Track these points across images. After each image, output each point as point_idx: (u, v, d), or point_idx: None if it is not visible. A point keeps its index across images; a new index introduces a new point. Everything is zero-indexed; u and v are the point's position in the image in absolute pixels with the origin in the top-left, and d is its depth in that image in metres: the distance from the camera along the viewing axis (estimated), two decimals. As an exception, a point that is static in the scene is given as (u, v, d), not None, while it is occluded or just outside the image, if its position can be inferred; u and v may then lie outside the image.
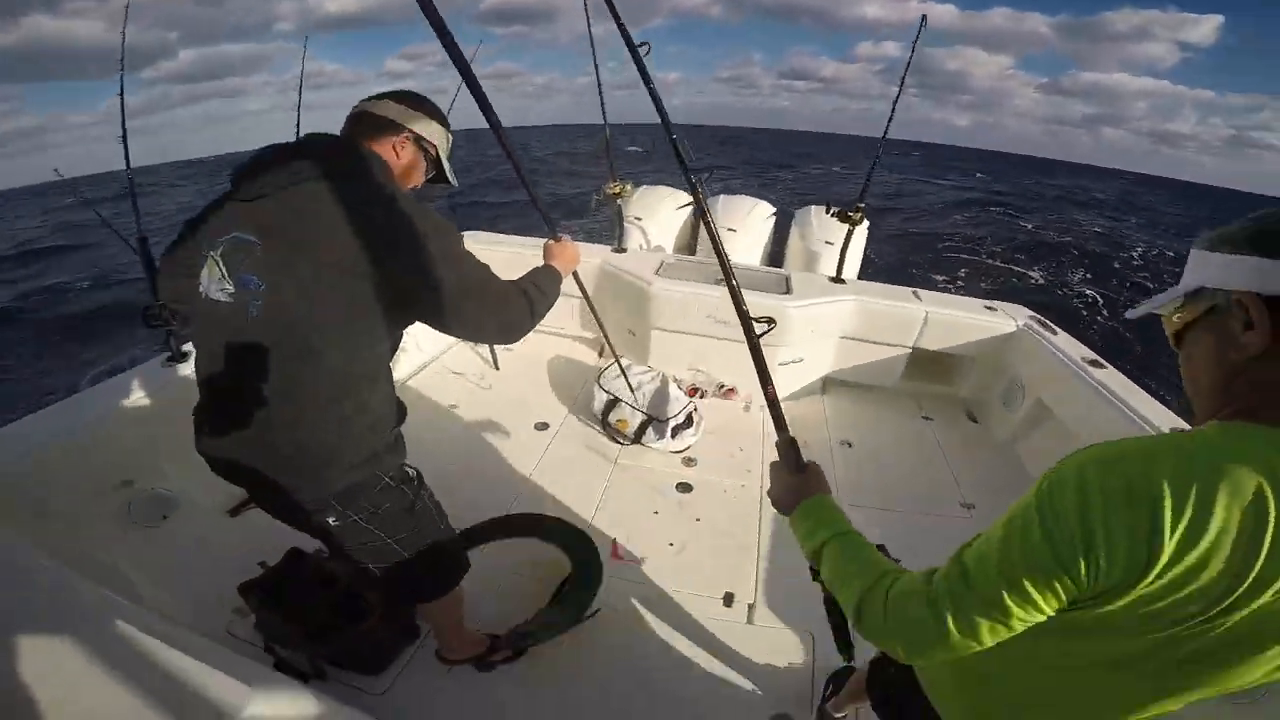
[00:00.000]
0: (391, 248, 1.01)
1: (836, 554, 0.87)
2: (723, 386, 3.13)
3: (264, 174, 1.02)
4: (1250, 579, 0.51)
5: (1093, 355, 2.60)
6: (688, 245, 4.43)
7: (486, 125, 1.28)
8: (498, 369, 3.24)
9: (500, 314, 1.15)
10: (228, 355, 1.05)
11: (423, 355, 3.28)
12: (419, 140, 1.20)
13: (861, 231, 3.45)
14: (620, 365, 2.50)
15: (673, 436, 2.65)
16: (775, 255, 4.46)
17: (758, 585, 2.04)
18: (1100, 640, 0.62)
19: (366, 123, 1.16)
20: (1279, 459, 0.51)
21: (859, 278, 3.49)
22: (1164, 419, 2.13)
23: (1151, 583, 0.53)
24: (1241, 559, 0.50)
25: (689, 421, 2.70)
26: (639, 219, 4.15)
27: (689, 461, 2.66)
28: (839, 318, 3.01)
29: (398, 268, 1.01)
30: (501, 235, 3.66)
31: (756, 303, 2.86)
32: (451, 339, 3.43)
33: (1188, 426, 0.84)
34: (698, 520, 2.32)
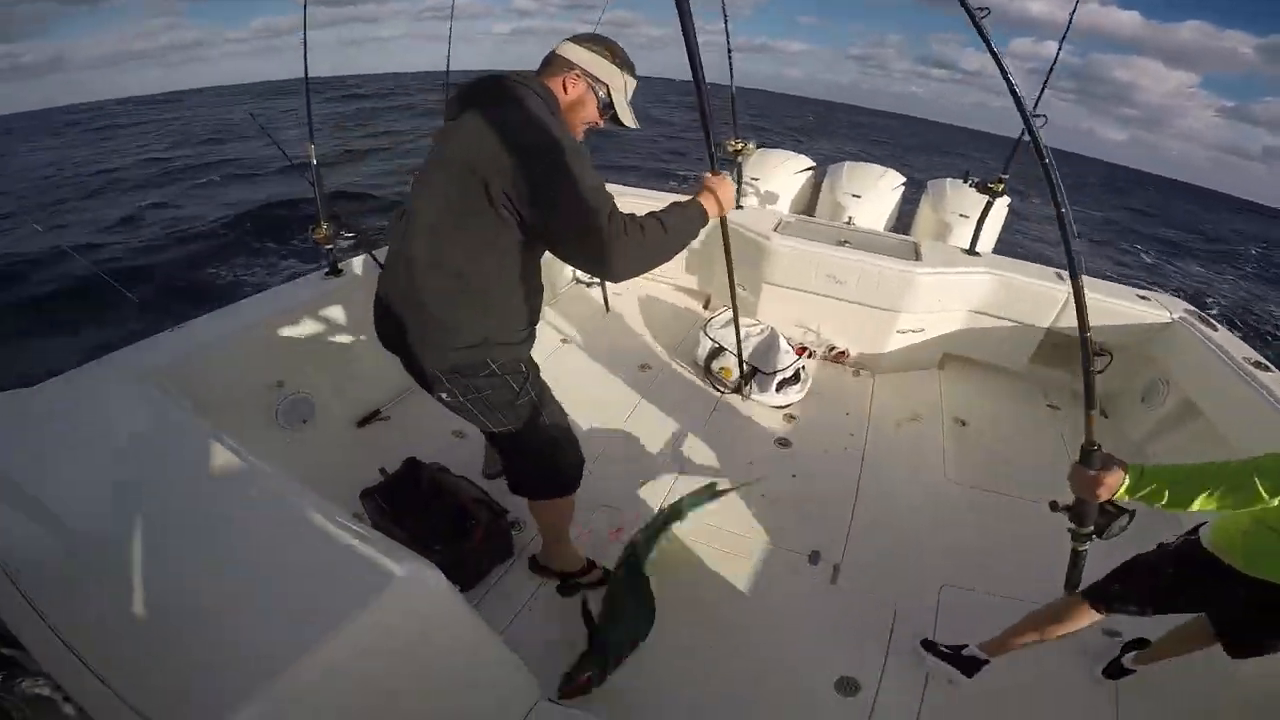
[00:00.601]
0: (513, 167, 1.09)
1: (1179, 489, 1.14)
2: (833, 349, 3.05)
3: (457, 101, 1.23)
4: None
5: (1257, 357, 2.30)
6: (806, 209, 4.30)
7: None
8: (609, 310, 3.34)
9: (613, 249, 1.12)
10: (390, 249, 1.34)
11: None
12: (588, 77, 1.27)
13: (1002, 205, 3.18)
14: (735, 313, 2.49)
15: (777, 391, 2.63)
16: (903, 226, 4.23)
17: (846, 549, 2.01)
18: None
19: (549, 60, 1.29)
20: None
21: (995, 253, 3.24)
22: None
23: None
24: None
25: (795, 378, 2.67)
26: (756, 179, 4.08)
27: (790, 418, 2.65)
28: (969, 289, 2.83)
29: (517, 185, 1.10)
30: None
31: (883, 267, 2.76)
32: (571, 274, 3.57)
33: None
34: (793, 477, 2.31)
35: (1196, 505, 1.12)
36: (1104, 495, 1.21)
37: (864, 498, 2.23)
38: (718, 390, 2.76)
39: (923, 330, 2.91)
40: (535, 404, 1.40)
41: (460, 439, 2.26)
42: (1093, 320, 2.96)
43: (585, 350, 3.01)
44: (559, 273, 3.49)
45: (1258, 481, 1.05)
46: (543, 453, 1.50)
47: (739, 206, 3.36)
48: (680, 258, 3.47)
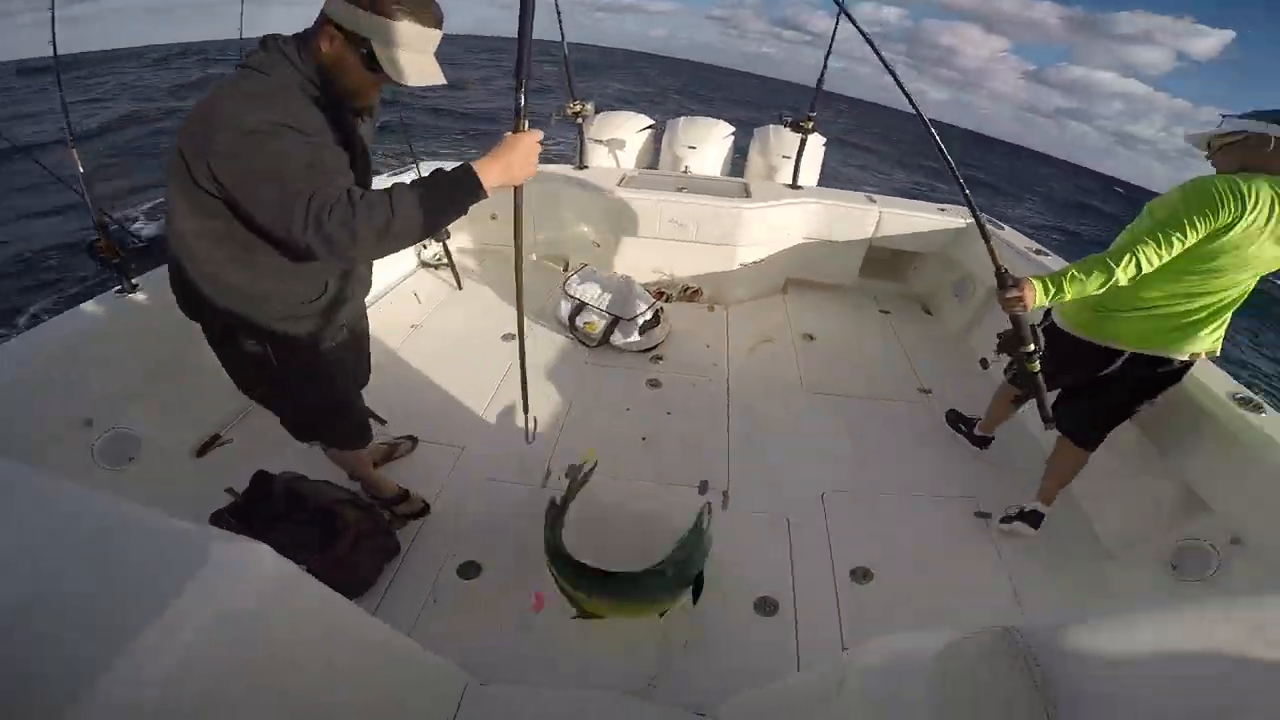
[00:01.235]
0: (206, 153, 1.04)
1: (1068, 284, 1.55)
2: (687, 288, 3.23)
3: None
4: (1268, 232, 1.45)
5: (1036, 245, 2.77)
6: (650, 164, 4.46)
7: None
8: (461, 288, 3.26)
9: (315, 238, 1.03)
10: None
11: (380, 283, 3.28)
12: (343, 32, 1.09)
13: (816, 142, 3.52)
14: (519, 275, 2.49)
15: (641, 334, 2.74)
16: (736, 172, 4.52)
17: (729, 473, 2.15)
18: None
19: (319, 17, 1.14)
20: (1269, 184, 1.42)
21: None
22: None
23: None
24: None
25: (656, 319, 2.80)
26: (599, 141, 4.14)
27: (657, 359, 2.78)
28: (797, 220, 3.12)
29: (213, 171, 1.05)
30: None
31: (717, 207, 2.95)
32: (415, 258, 3.42)
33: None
34: (668, 414, 2.44)
35: (1092, 288, 1.54)
36: (1030, 303, 1.54)
37: (735, 421, 2.41)
38: (586, 345, 2.82)
39: (763, 260, 3.17)
40: (291, 374, 1.41)
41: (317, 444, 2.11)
42: (903, 231, 3.39)
43: (442, 331, 2.93)
44: (401, 256, 3.33)
45: (1138, 253, 1.49)
46: (314, 422, 1.59)
47: (583, 167, 3.40)
48: (534, 224, 3.50)
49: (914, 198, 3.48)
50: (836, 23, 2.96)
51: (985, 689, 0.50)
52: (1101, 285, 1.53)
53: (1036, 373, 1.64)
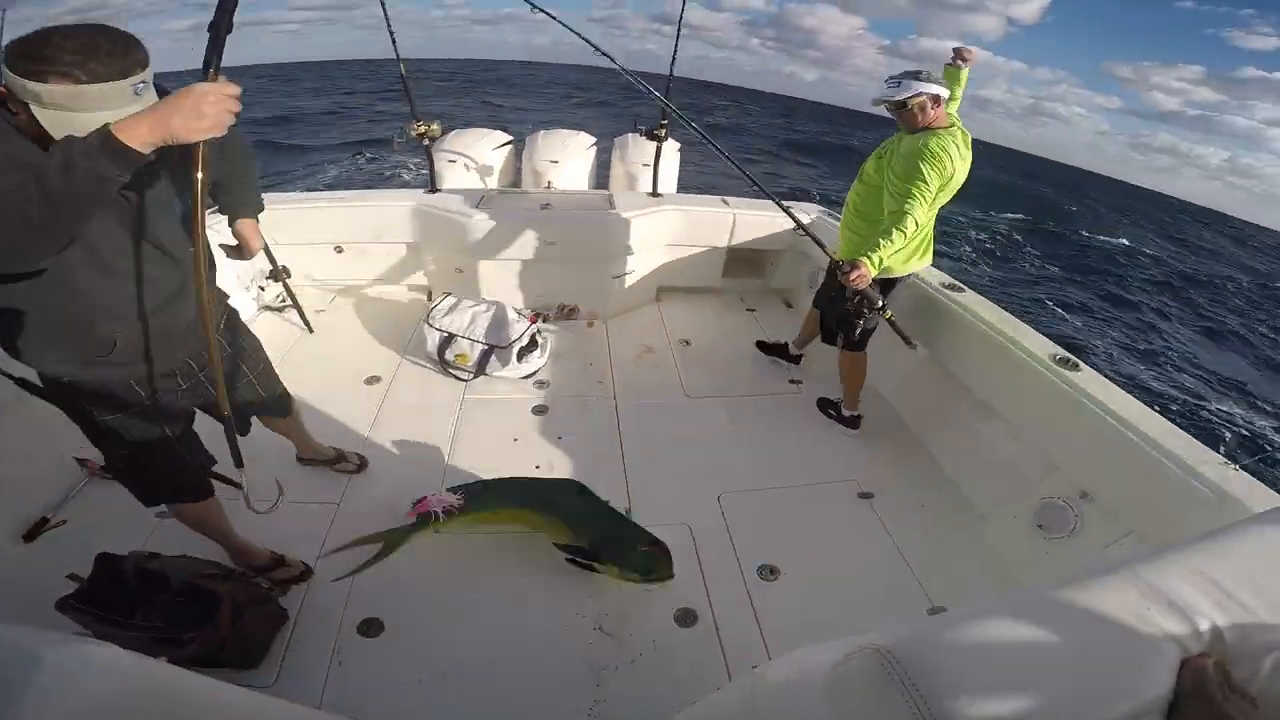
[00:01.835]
0: None
1: (884, 252, 2.01)
2: (564, 307, 3.18)
3: None
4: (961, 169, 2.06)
5: (950, 280, 2.93)
6: (513, 181, 4.36)
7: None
8: (312, 331, 2.98)
9: None
10: None
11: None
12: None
13: (671, 149, 3.63)
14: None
15: (519, 360, 2.66)
16: (600, 182, 4.54)
17: (628, 487, 2.17)
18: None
19: None
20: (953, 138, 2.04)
21: (678, 192, 3.69)
22: (936, 275, 2.58)
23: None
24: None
25: (534, 344, 2.73)
26: (453, 161, 3.99)
27: (541, 384, 2.72)
28: (660, 227, 3.19)
29: None
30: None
31: (582, 221, 2.93)
32: (255, 302, 3.09)
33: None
34: (560, 438, 2.40)
35: (894, 249, 2.03)
36: (868, 276, 2.01)
37: (627, 435, 2.43)
38: (461, 379, 2.69)
39: (634, 271, 3.21)
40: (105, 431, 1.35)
41: (167, 517, 1.86)
42: (755, 233, 3.55)
43: (297, 381, 2.62)
44: (237, 300, 2.99)
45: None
46: (129, 474, 1.49)
47: (435, 191, 3.22)
48: (387, 255, 3.28)
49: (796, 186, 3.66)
50: (679, 31, 3.07)
51: (872, 708, 0.55)
52: (900, 247, 2.05)
53: (889, 318, 2.20)
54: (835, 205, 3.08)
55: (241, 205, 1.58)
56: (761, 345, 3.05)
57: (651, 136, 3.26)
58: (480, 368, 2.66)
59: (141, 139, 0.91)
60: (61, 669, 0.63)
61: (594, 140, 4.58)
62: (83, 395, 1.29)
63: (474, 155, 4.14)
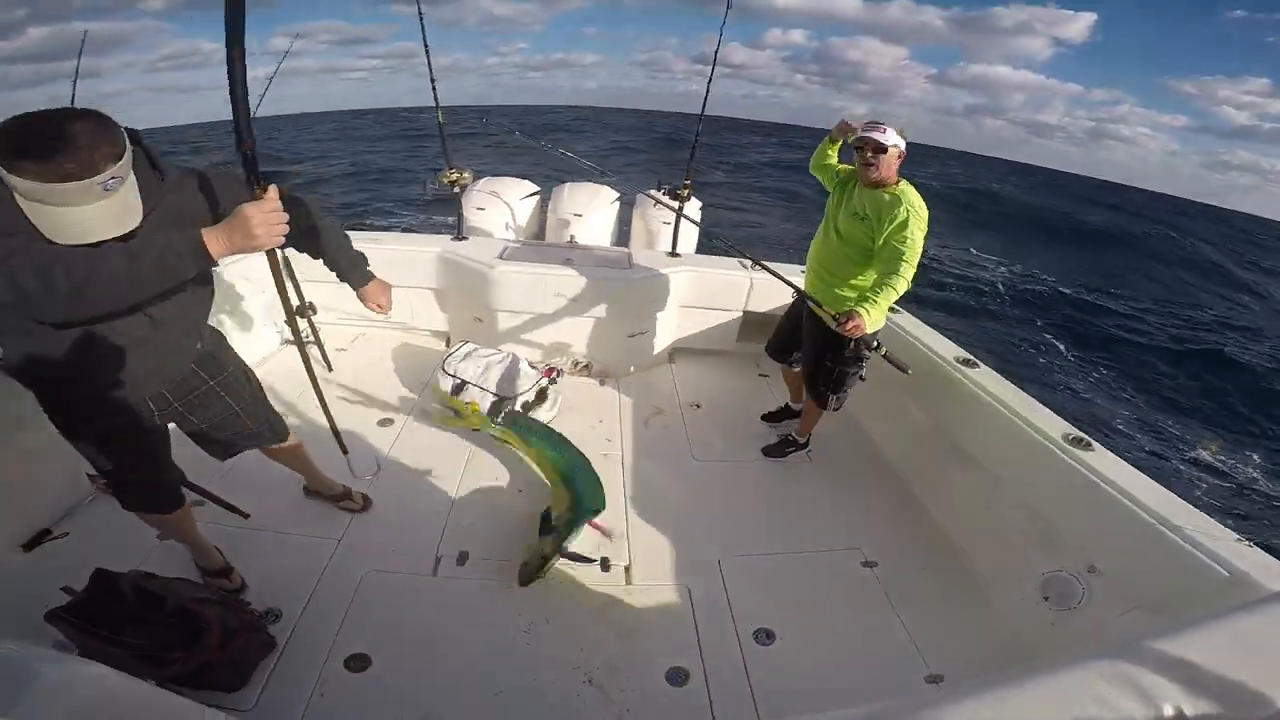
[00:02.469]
0: None
1: (878, 312, 2.11)
2: (577, 363, 3.23)
3: None
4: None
5: (965, 354, 2.85)
6: (538, 232, 4.47)
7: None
8: (331, 369, 3.05)
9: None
10: None
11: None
12: None
13: (692, 208, 3.71)
14: (299, 337, 2.46)
15: (526, 413, 2.69)
16: (622, 237, 4.64)
17: (630, 548, 2.18)
18: None
19: None
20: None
21: (698, 251, 3.76)
22: (949, 349, 2.64)
23: None
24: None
25: (543, 397, 2.77)
26: (482, 209, 4.12)
27: (549, 437, 2.72)
28: (677, 289, 3.25)
29: None
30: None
31: (600, 279, 3.01)
32: (278, 336, 3.19)
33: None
34: None
35: (891, 301, 2.11)
36: (864, 327, 2.05)
37: (631, 496, 2.45)
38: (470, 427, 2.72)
39: (648, 331, 3.27)
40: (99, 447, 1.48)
41: (165, 540, 1.93)
42: (773, 299, 3.56)
43: (312, 418, 2.71)
44: (259, 337, 3.09)
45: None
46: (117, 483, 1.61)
47: (462, 238, 3.34)
48: (412, 298, 3.37)
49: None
50: (712, 70, 3.19)
51: None
52: (894, 300, 2.16)
53: (884, 353, 2.22)
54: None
55: (351, 273, 1.77)
56: (766, 417, 3.08)
57: (673, 196, 3.37)
58: (489, 418, 2.69)
59: (219, 252, 1.11)
60: (52, 684, 0.70)
61: (617, 195, 4.71)
62: (61, 404, 1.39)
63: (502, 204, 4.28)
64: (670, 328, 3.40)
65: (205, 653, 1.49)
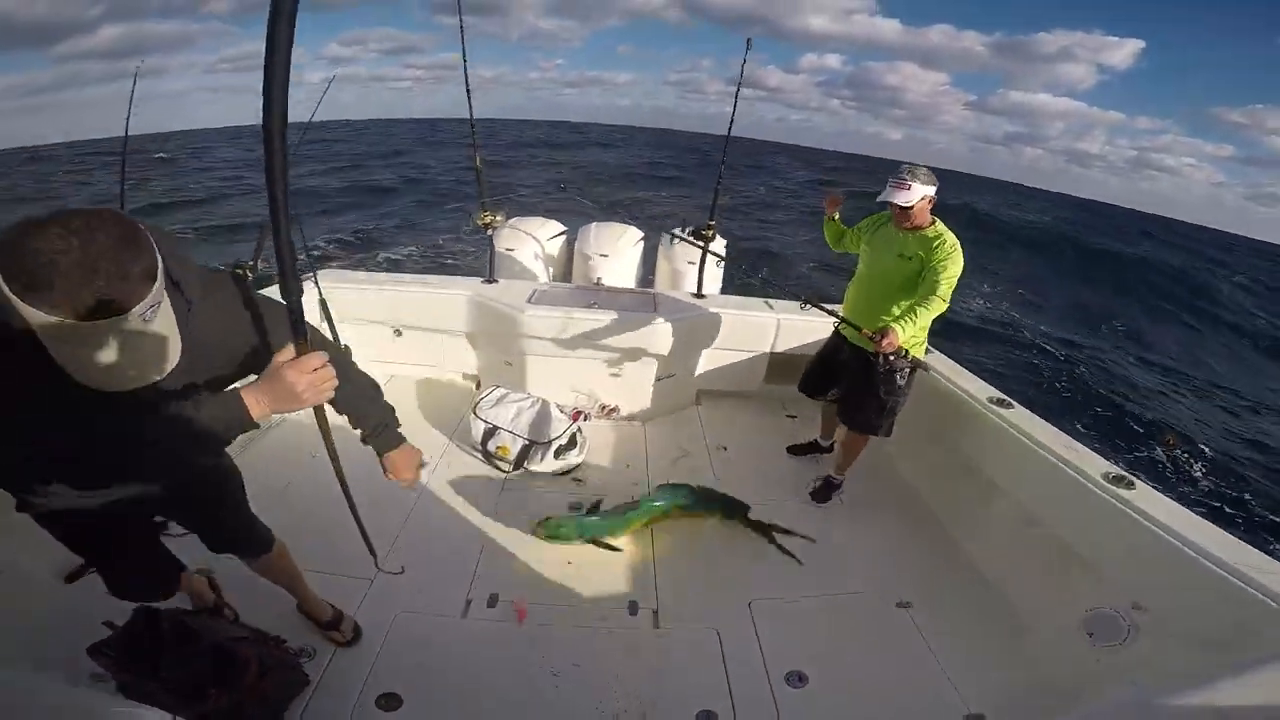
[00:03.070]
0: None
1: (913, 326, 2.27)
2: (604, 406, 3.27)
3: None
4: None
5: (999, 394, 2.81)
6: (563, 274, 4.56)
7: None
8: None
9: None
10: None
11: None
12: None
13: (717, 247, 3.77)
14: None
15: (556, 458, 2.75)
16: (647, 278, 4.72)
17: (658, 591, 2.20)
18: None
19: None
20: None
21: (724, 291, 3.81)
22: (981, 389, 2.68)
23: None
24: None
25: (573, 442, 2.82)
26: (511, 249, 4.23)
27: (577, 481, 2.80)
28: (703, 331, 3.29)
29: None
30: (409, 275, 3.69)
31: (626, 322, 3.06)
32: None
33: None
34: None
35: (927, 321, 2.30)
36: (896, 343, 2.20)
37: (659, 539, 2.47)
38: (500, 470, 2.77)
39: (675, 374, 3.31)
40: None
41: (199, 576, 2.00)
42: (799, 339, 3.57)
43: (342, 458, 2.78)
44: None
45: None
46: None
47: (492, 281, 3.43)
48: (443, 341, 3.44)
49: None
50: (738, 92, 3.26)
51: None
52: (924, 325, 2.33)
53: (916, 359, 2.42)
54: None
55: (380, 434, 1.58)
56: (792, 449, 3.15)
57: (698, 237, 3.43)
58: (519, 462, 2.76)
59: (261, 414, 1.01)
60: None
61: (642, 235, 4.81)
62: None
63: (530, 244, 4.40)
64: (696, 370, 3.45)
65: (241, 690, 1.54)
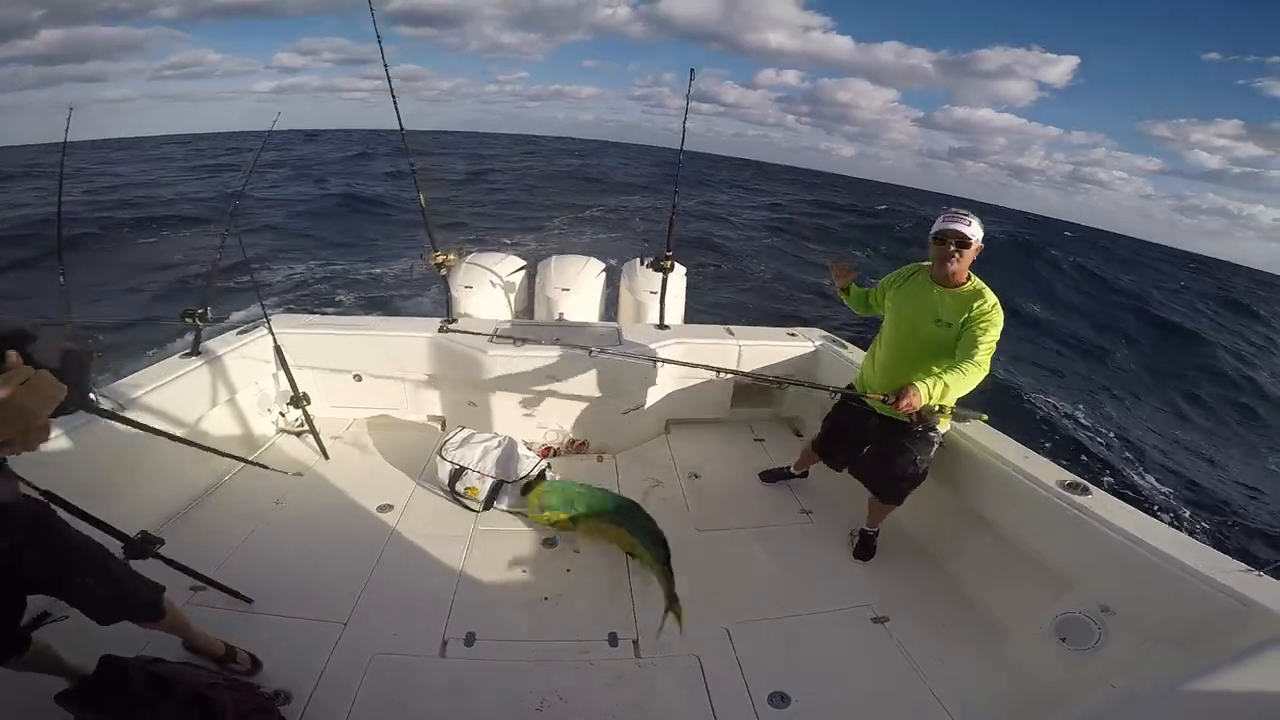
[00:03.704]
0: None
1: (943, 391, 1.99)
2: (574, 441, 3.28)
3: None
4: None
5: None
6: (525, 309, 4.56)
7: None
8: (328, 458, 3.09)
9: None
10: None
11: (236, 449, 3.02)
12: None
13: (677, 277, 3.86)
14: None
15: (524, 495, 2.71)
16: (610, 310, 4.75)
17: (636, 621, 2.22)
18: None
19: None
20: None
21: (685, 320, 3.89)
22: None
23: None
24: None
25: (541, 478, 2.80)
26: (470, 287, 4.21)
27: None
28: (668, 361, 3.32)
29: None
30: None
31: (591, 357, 3.10)
32: (274, 426, 3.21)
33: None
34: (568, 571, 2.48)
35: (963, 391, 2.02)
36: (916, 404, 1.95)
37: (635, 569, 2.48)
38: (470, 510, 2.73)
39: (641, 406, 3.34)
40: None
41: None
42: (760, 363, 3.68)
43: (311, 503, 2.76)
44: (254, 426, 3.11)
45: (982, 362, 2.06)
46: None
47: (452, 321, 3.42)
48: (405, 385, 3.40)
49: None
50: (686, 107, 3.36)
51: None
52: (960, 392, 2.04)
53: (951, 410, 2.13)
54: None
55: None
56: (764, 475, 3.18)
57: (657, 268, 3.50)
58: (489, 501, 2.74)
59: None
60: None
61: (603, 267, 4.86)
62: None
63: (489, 281, 4.38)
64: (663, 400, 3.50)
65: None
